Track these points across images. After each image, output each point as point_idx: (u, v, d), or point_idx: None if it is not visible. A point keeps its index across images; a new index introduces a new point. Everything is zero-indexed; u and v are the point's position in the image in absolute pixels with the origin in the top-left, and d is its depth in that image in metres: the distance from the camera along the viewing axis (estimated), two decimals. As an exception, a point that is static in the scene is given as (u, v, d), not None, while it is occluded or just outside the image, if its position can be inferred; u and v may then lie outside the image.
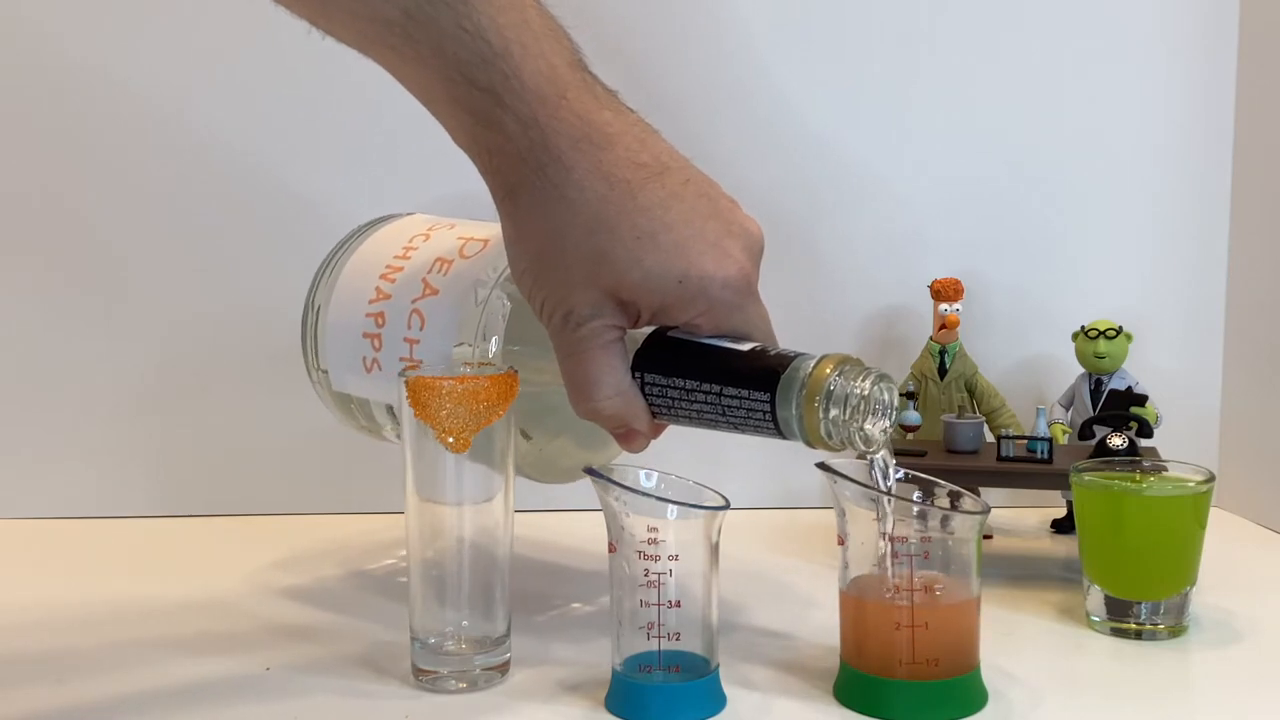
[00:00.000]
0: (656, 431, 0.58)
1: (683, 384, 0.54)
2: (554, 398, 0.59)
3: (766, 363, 0.54)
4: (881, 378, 0.53)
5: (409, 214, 0.73)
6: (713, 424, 0.55)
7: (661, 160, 0.54)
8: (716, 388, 0.54)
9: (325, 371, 0.70)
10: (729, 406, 0.54)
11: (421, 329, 0.64)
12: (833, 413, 0.52)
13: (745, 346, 0.55)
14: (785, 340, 0.57)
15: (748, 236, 0.55)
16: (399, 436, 0.60)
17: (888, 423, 0.54)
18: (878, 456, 0.55)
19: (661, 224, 0.52)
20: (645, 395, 0.56)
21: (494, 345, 0.62)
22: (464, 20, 0.50)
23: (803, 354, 0.54)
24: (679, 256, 0.53)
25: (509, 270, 0.57)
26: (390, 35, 0.51)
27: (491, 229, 0.65)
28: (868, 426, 0.53)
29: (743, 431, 0.54)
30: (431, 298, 0.65)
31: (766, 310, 0.56)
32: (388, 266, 0.68)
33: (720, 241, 0.54)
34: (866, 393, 0.52)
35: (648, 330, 0.56)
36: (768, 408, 0.53)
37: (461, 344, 0.63)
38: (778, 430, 0.53)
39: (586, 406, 0.55)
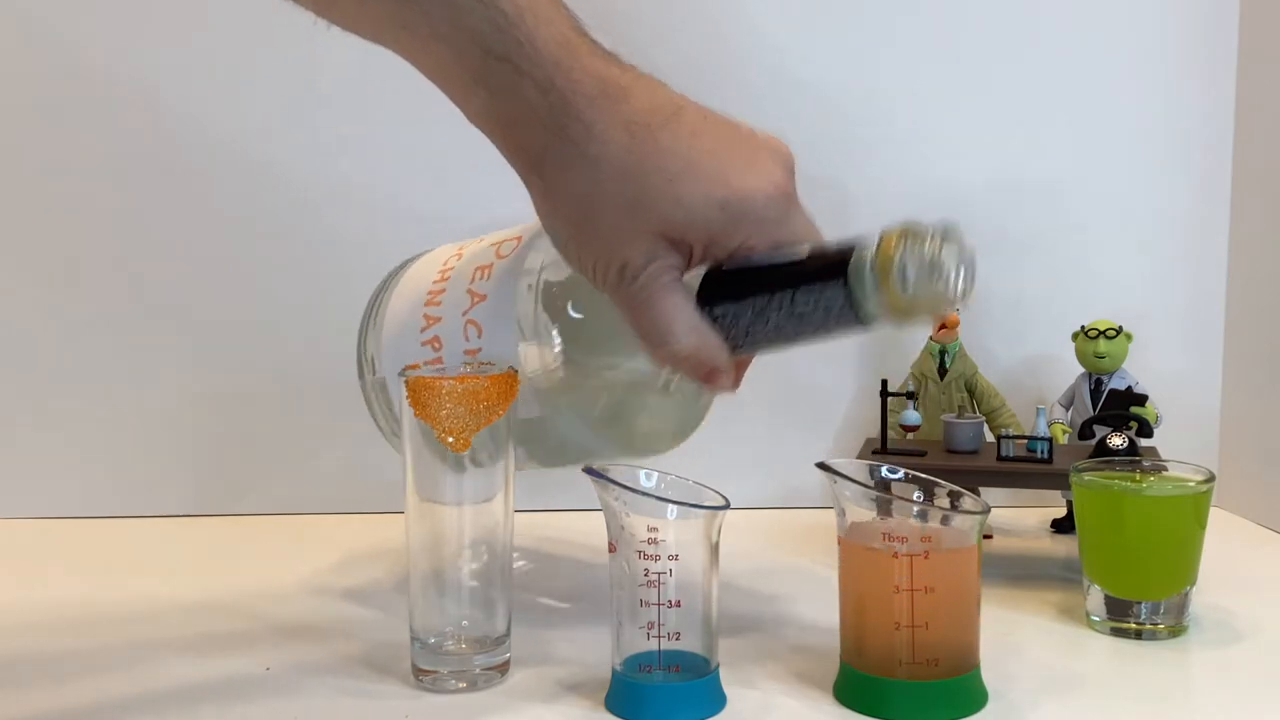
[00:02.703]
0: (738, 368, 0.57)
1: (752, 303, 0.53)
2: (629, 376, 0.57)
3: (829, 258, 0.53)
4: (947, 231, 0.52)
5: (433, 249, 0.72)
6: (792, 337, 0.54)
7: (675, 102, 0.54)
8: (788, 294, 0.53)
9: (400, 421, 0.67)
10: (804, 312, 0.53)
11: (479, 337, 0.63)
12: (910, 275, 0.51)
13: (802, 251, 0.54)
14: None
15: (777, 152, 0.55)
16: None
17: (966, 268, 0.51)
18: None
19: (688, 161, 0.52)
20: (718, 329, 0.54)
21: (555, 335, 0.61)
22: None
23: (858, 238, 0.53)
24: (716, 184, 0.52)
25: (547, 256, 0.56)
26: (404, 13, 0.51)
27: (522, 226, 0.64)
28: (951, 277, 0.51)
29: (823, 334, 0.53)
30: (481, 304, 0.64)
31: (811, 217, 0.55)
32: (429, 293, 0.67)
33: (753, 160, 0.54)
34: (939, 250, 0.51)
35: (699, 278, 0.55)
36: (843, 296, 0.52)
37: (525, 340, 0.61)
38: (857, 318, 0.52)
39: (664, 351, 0.54)
